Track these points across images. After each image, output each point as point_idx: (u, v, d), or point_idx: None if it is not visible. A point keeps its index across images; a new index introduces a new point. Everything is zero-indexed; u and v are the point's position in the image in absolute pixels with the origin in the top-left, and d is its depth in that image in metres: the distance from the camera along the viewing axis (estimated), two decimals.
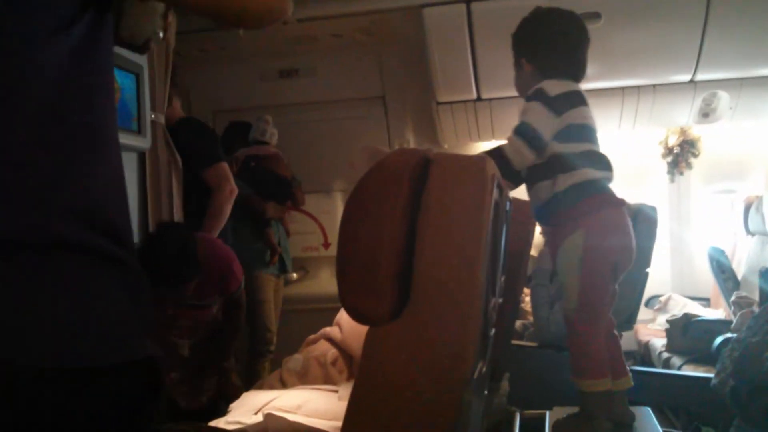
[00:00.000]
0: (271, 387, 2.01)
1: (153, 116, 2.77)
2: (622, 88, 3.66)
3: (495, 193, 1.04)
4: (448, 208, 0.93)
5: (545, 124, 1.64)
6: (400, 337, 0.89)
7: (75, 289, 0.68)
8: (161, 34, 1.06)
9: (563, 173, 1.67)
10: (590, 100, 3.62)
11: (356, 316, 0.93)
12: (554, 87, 1.67)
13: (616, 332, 1.74)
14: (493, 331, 1.39)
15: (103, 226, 0.71)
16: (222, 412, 1.80)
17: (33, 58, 0.65)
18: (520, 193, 1.79)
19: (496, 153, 1.63)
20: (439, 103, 3.44)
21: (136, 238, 2.82)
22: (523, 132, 1.64)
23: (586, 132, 1.70)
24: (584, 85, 3.59)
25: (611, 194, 1.71)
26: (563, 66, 1.73)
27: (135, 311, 0.74)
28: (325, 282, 3.82)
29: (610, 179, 1.73)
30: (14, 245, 0.63)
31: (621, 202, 1.71)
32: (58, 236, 0.66)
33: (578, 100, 1.71)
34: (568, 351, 1.69)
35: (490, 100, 3.39)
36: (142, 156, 2.78)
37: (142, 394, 0.74)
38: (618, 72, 3.56)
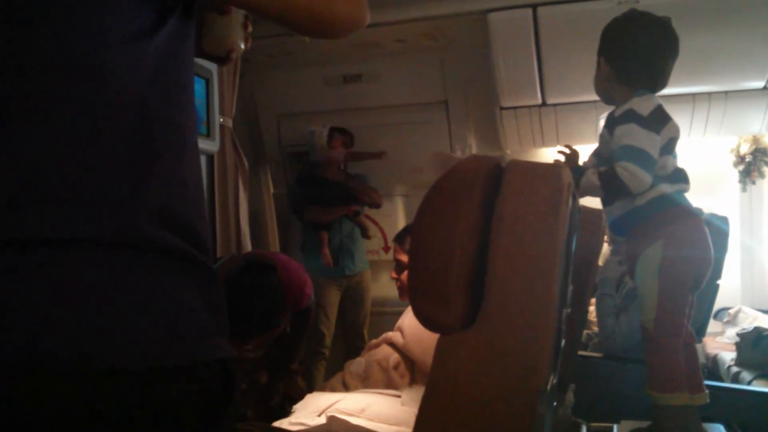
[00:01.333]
0: (333, 390, 2.02)
1: (221, 120, 2.84)
2: (693, 95, 3.55)
3: (570, 203, 1.03)
4: (522, 217, 0.92)
5: (650, 144, 1.60)
6: (471, 346, 0.88)
7: (153, 288, 0.69)
8: (242, 45, 1.09)
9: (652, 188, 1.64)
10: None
11: (427, 323, 0.93)
12: (644, 105, 1.63)
13: (696, 345, 1.69)
14: (563, 342, 1.37)
15: (182, 227, 0.72)
16: (286, 413, 1.82)
17: (114, 61, 0.67)
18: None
19: (610, 174, 1.60)
20: (502, 108, 3.40)
21: None
22: (634, 156, 1.59)
23: (671, 146, 1.66)
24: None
25: (689, 205, 1.67)
26: (638, 76, 1.68)
27: (210, 312, 0.75)
28: (385, 286, 3.82)
29: (686, 191, 1.68)
30: (96, 244, 0.65)
31: (698, 213, 1.67)
32: (140, 235, 0.67)
33: (666, 114, 1.67)
34: (645, 363, 1.66)
35: (555, 105, 3.33)
36: (210, 159, 2.85)
37: (216, 395, 0.75)
38: (689, 78, 3.45)
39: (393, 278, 2.27)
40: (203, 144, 2.61)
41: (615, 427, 1.69)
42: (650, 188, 1.62)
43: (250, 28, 1.10)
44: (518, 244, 0.91)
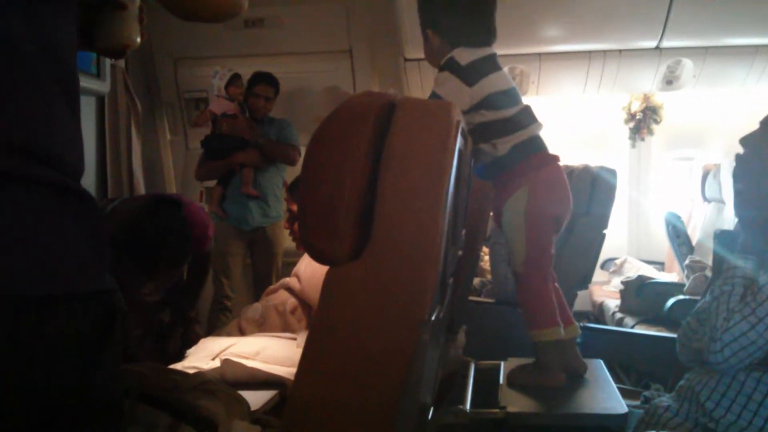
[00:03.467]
0: (229, 335, 2.01)
1: (112, 60, 2.70)
2: (589, 52, 3.68)
3: (459, 141, 1.04)
4: (411, 152, 0.93)
5: (458, 93, 1.62)
6: (359, 276, 0.89)
7: (26, 218, 0.66)
8: (138, 39, 1.05)
9: (499, 138, 1.68)
10: (556, 63, 3.63)
11: (316, 255, 0.93)
12: (465, 55, 1.65)
13: (557, 285, 1.78)
14: (451, 280, 1.41)
15: (51, 160, 0.70)
16: (181, 357, 1.80)
17: None
18: None
19: None
20: (407, 60, 3.41)
21: (92, 182, 2.76)
22: None
23: (509, 97, 1.70)
24: (551, 48, 3.63)
25: (547, 152, 1.74)
26: (465, 33, 1.70)
27: (88, 243, 0.73)
28: (287, 237, 3.81)
29: (538, 129, 1.74)
30: None
31: (556, 159, 1.74)
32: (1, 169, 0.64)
33: (492, 66, 1.70)
34: (519, 305, 1.74)
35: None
36: (101, 100, 2.71)
37: (95, 331, 0.73)
38: (585, 35, 3.58)
39: (285, 228, 2.26)
40: (92, 84, 2.48)
41: (502, 364, 1.77)
42: (503, 137, 1.67)
43: (144, 21, 1.07)
44: (406, 178, 0.92)
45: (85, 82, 2.36)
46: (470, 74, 1.62)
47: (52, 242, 0.69)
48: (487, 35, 1.71)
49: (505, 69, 1.76)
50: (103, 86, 2.63)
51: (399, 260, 0.90)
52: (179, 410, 1.23)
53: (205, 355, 1.72)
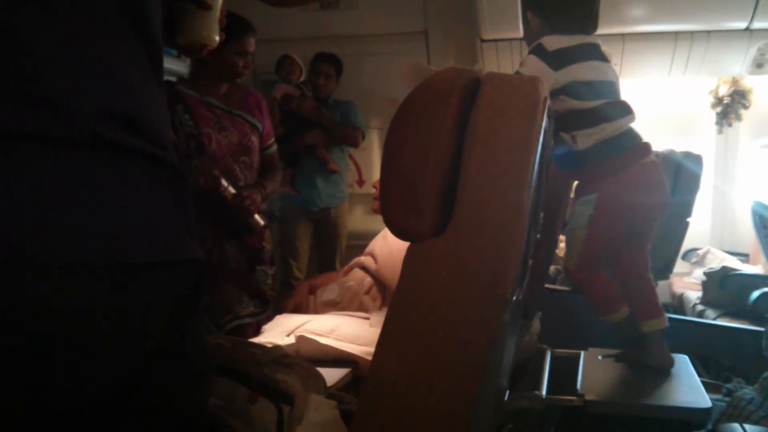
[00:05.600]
0: (305, 313, 2.04)
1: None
2: (675, 33, 3.52)
3: (545, 120, 1.01)
4: (496, 127, 0.91)
5: (541, 75, 1.58)
6: (441, 253, 0.88)
7: (119, 186, 0.68)
8: (217, 39, 1.06)
9: (579, 131, 1.63)
10: (640, 44, 3.49)
11: (398, 231, 0.92)
12: (554, 42, 1.62)
13: (649, 275, 1.75)
14: (530, 263, 1.38)
15: (149, 133, 0.71)
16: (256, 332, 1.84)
17: None
18: None
19: None
20: (483, 41, 3.35)
21: None
22: None
23: (595, 88, 1.64)
24: (636, 28, 3.50)
25: (633, 151, 1.67)
26: (568, 18, 1.65)
27: (180, 212, 0.74)
28: (359, 220, 3.82)
29: (630, 122, 1.68)
30: (55, 142, 0.63)
31: (644, 153, 1.67)
32: (98, 135, 0.66)
33: (583, 55, 1.64)
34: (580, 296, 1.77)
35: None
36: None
37: (185, 298, 0.75)
38: (672, 15, 3.42)
39: (375, 200, 2.24)
40: (173, 65, 2.55)
41: (582, 353, 1.73)
42: (584, 130, 1.63)
43: (224, 23, 1.08)
44: (491, 154, 0.89)
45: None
46: (556, 59, 1.60)
47: (148, 212, 0.70)
48: (587, 22, 1.67)
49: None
50: (183, 67, 2.70)
51: (482, 238, 0.88)
52: (257, 383, 1.25)
53: (280, 331, 1.75)
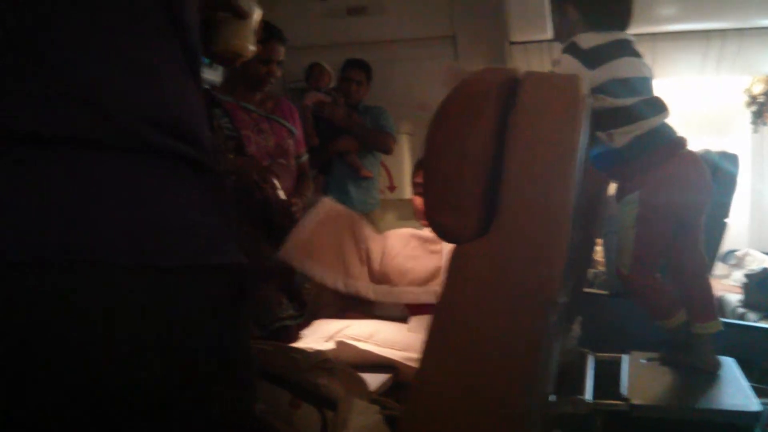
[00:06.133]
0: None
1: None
2: (707, 31, 3.46)
3: (586, 116, 1.00)
4: (538, 127, 0.90)
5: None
6: (485, 255, 0.87)
7: (162, 189, 0.68)
8: (252, 50, 1.06)
9: (617, 128, 1.61)
10: (672, 43, 3.44)
11: (441, 232, 0.92)
12: (588, 39, 1.59)
13: (707, 275, 1.72)
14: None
15: (192, 138, 0.72)
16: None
17: None
18: None
19: None
20: (512, 43, 3.33)
21: None
22: None
23: (632, 85, 1.62)
24: (667, 27, 3.45)
25: (670, 144, 1.65)
26: (608, 11, 1.64)
27: (223, 217, 0.75)
28: (390, 225, 3.81)
29: (664, 118, 1.66)
30: (99, 145, 0.64)
31: (681, 147, 1.65)
32: (141, 138, 0.67)
33: (618, 51, 1.62)
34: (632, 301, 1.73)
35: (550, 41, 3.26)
36: None
37: (230, 295, 0.75)
38: (703, 14, 3.37)
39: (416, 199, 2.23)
40: (205, 74, 2.57)
41: (623, 357, 1.70)
42: (621, 128, 1.60)
43: (260, 34, 1.08)
44: (534, 153, 0.89)
45: None
46: (592, 57, 1.58)
47: (190, 215, 0.71)
48: (626, 18, 1.66)
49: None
50: (215, 76, 2.73)
51: (527, 239, 0.87)
52: (299, 388, 1.26)
53: (319, 337, 1.75)
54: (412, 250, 2.12)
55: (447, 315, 0.90)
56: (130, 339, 0.64)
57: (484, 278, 0.88)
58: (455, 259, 0.90)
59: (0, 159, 0.61)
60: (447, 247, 1.94)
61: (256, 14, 1.08)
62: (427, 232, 2.12)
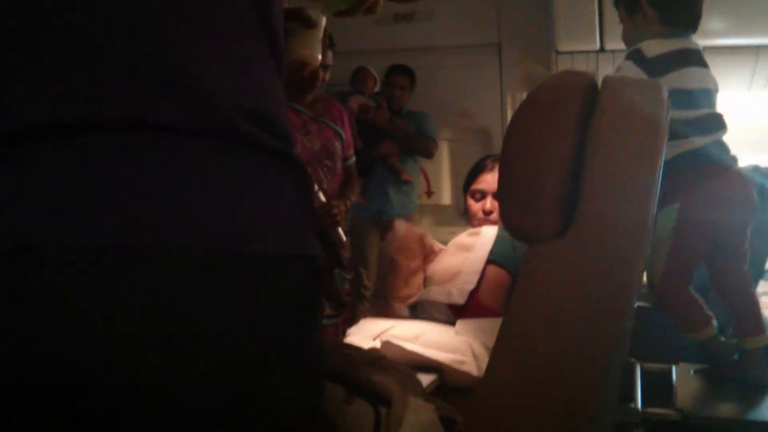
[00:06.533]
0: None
1: None
2: (757, 47, 3.42)
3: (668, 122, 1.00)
4: (621, 133, 0.90)
5: None
6: (562, 256, 0.88)
7: (253, 179, 0.70)
8: (319, 59, 1.07)
9: (670, 140, 1.60)
10: (718, 59, 3.41)
11: (517, 232, 0.92)
12: (653, 47, 1.58)
13: (752, 290, 1.70)
14: None
15: (279, 130, 0.74)
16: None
17: None
18: None
19: None
20: (558, 53, 3.32)
21: None
22: None
23: (696, 97, 1.60)
24: (713, 41, 3.41)
25: (717, 163, 1.63)
26: (683, 12, 1.62)
27: (304, 208, 0.76)
28: (428, 231, 3.80)
29: (720, 137, 1.64)
30: (197, 133, 0.65)
31: (725, 169, 1.63)
32: (235, 129, 0.68)
33: (683, 61, 1.60)
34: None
35: (613, 51, 3.23)
36: None
37: (308, 287, 0.76)
38: (752, 29, 3.33)
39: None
40: None
41: (674, 367, 1.69)
42: (674, 140, 1.59)
43: (327, 42, 1.09)
44: (616, 158, 0.89)
45: None
46: (655, 67, 1.57)
47: (278, 205, 0.72)
48: (696, 20, 1.64)
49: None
50: None
51: (606, 244, 0.87)
52: (354, 384, 1.26)
53: (365, 336, 1.76)
54: (447, 255, 2.12)
55: (519, 313, 0.90)
56: (223, 323, 0.65)
57: (559, 278, 0.88)
58: (530, 257, 0.90)
59: (101, 145, 0.63)
60: (471, 254, 1.94)
61: (323, 23, 1.09)
62: (464, 237, 2.11)
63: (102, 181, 0.62)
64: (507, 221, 0.92)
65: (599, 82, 0.94)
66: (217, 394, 0.66)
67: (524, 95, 0.97)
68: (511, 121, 0.95)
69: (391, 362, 1.31)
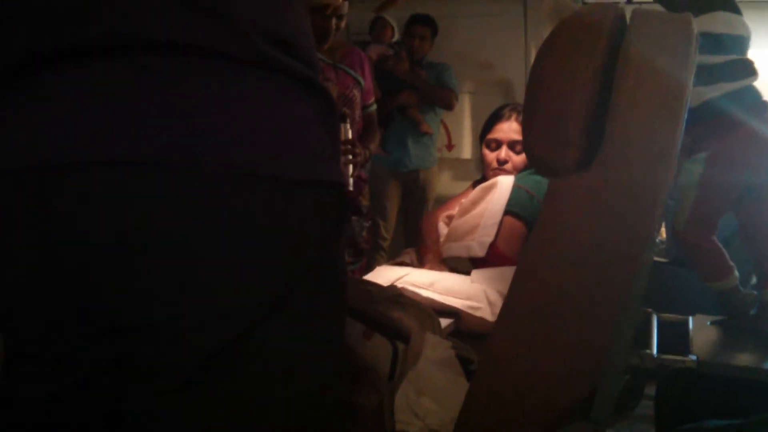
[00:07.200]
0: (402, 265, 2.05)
1: None
2: None
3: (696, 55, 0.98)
4: (649, 61, 0.88)
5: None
6: (586, 188, 0.87)
7: (282, 103, 0.70)
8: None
9: (697, 86, 1.56)
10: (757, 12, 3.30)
11: (541, 166, 0.92)
12: None
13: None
14: None
15: (307, 59, 0.74)
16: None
17: None
18: None
19: None
20: (585, 3, 3.24)
21: None
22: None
23: (725, 42, 1.56)
24: None
25: (747, 110, 1.59)
26: None
27: (330, 135, 0.76)
28: (447, 184, 3.79)
29: (751, 82, 1.60)
30: (228, 57, 0.66)
31: (760, 111, 1.59)
32: (264, 54, 0.68)
33: (713, 4, 1.56)
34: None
35: (640, 2, 3.16)
36: None
37: (334, 212, 0.77)
38: None
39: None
40: None
41: (690, 319, 1.69)
42: (700, 86, 1.56)
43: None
44: (644, 89, 0.87)
45: None
46: (684, 8, 1.53)
47: (307, 131, 0.72)
48: None
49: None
50: None
51: (631, 174, 0.86)
52: (373, 319, 1.27)
53: (381, 282, 1.76)
54: (465, 209, 2.10)
55: (541, 243, 0.90)
56: (251, 243, 0.66)
57: (582, 210, 0.88)
58: (553, 191, 0.90)
59: (128, 65, 0.63)
60: (488, 206, 1.93)
61: None
62: (479, 190, 2.08)
63: (127, 102, 0.62)
64: (530, 153, 0.92)
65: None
66: (241, 301, 0.67)
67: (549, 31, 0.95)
68: (538, 53, 0.93)
69: (409, 299, 1.32)
